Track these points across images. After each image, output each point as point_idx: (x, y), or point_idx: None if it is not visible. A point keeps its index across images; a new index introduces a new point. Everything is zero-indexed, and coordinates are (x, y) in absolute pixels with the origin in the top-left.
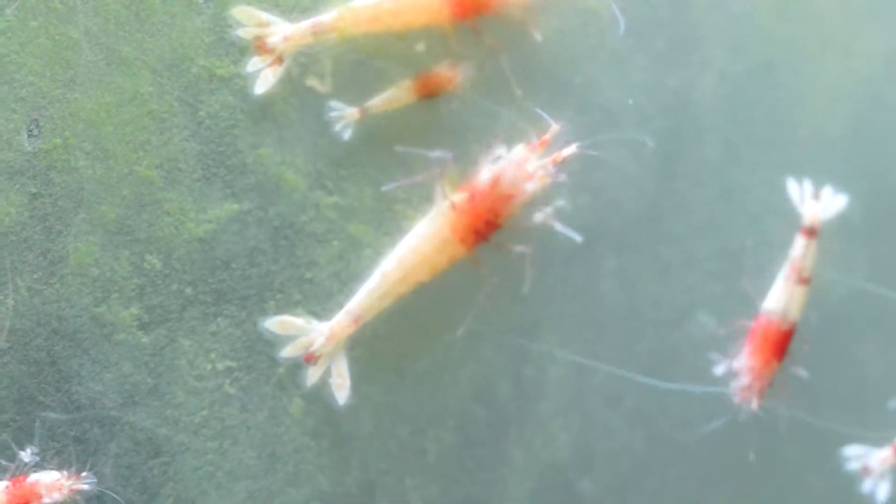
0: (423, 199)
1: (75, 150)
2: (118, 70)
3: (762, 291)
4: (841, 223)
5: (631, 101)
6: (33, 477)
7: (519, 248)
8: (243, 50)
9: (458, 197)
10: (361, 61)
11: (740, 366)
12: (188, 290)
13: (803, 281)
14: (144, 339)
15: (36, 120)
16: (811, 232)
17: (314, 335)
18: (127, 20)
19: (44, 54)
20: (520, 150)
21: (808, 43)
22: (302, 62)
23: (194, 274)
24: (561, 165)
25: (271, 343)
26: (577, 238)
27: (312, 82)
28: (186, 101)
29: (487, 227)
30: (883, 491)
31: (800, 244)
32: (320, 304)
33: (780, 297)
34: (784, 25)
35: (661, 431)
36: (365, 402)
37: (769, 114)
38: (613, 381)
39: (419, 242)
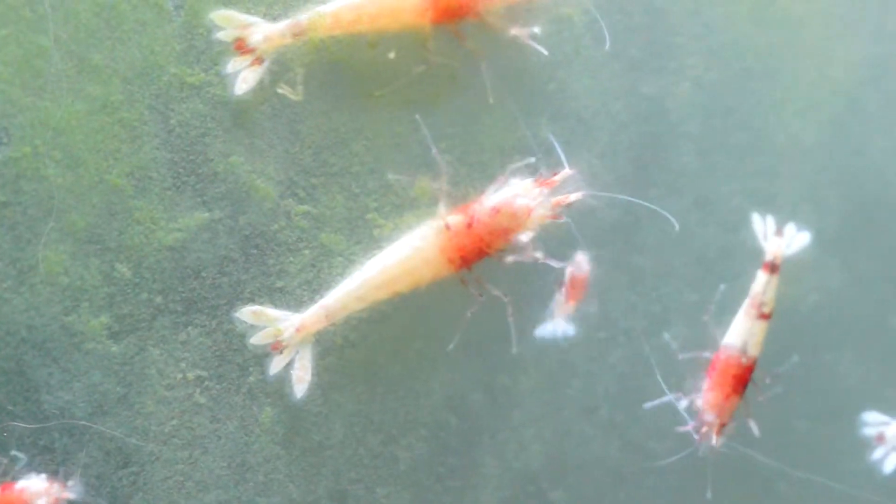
0: (396, 208)
1: (45, 158)
2: (88, 78)
3: (739, 300)
4: (816, 231)
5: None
6: (21, 483)
7: (496, 293)
8: (215, 58)
9: (455, 218)
10: (333, 69)
11: (701, 402)
12: (158, 299)
13: (763, 316)
14: (114, 349)
15: (6, 128)
16: (773, 268)
17: (284, 325)
18: (97, 28)
19: (13, 62)
20: (527, 185)
21: (784, 50)
22: (274, 70)
23: (164, 283)
24: (564, 208)
25: (241, 352)
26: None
27: (284, 90)
28: (157, 109)
29: (477, 255)
30: (892, 462)
31: (761, 280)
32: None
33: (740, 332)
34: (760, 33)
35: (635, 441)
36: (336, 410)
37: (745, 121)
38: (587, 391)
39: (406, 254)
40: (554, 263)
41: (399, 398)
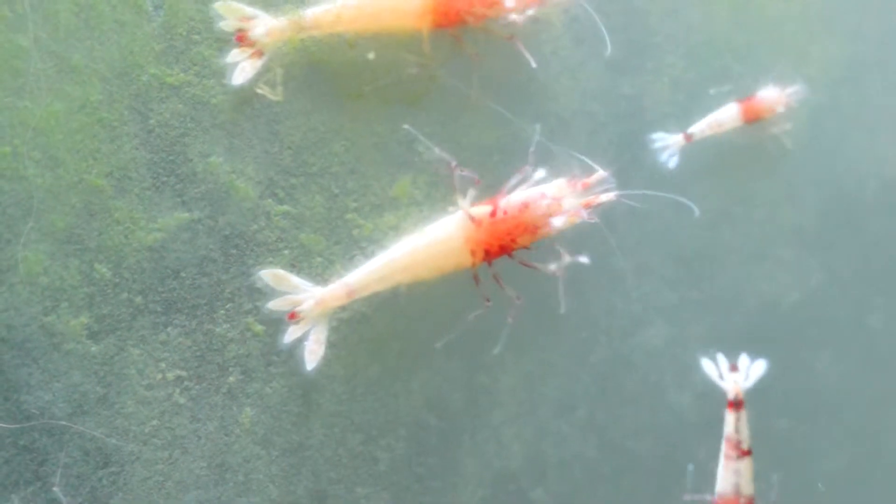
0: (375, 208)
1: (24, 158)
2: (68, 78)
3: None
4: (794, 231)
5: None
6: None
7: (510, 293)
8: (194, 58)
9: (481, 210)
10: (313, 69)
11: None
12: (138, 300)
13: (744, 453)
14: (94, 349)
15: None
16: (737, 404)
17: (305, 296)
18: (76, 28)
19: None
20: (559, 183)
21: (763, 50)
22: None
23: (144, 283)
24: (595, 209)
25: (221, 352)
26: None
27: (263, 90)
28: (137, 109)
29: (499, 250)
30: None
31: (730, 420)
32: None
33: (728, 479)
34: (738, 33)
35: (614, 440)
36: (315, 410)
37: None
38: (566, 390)
39: (432, 241)
40: (561, 286)
41: (379, 398)
